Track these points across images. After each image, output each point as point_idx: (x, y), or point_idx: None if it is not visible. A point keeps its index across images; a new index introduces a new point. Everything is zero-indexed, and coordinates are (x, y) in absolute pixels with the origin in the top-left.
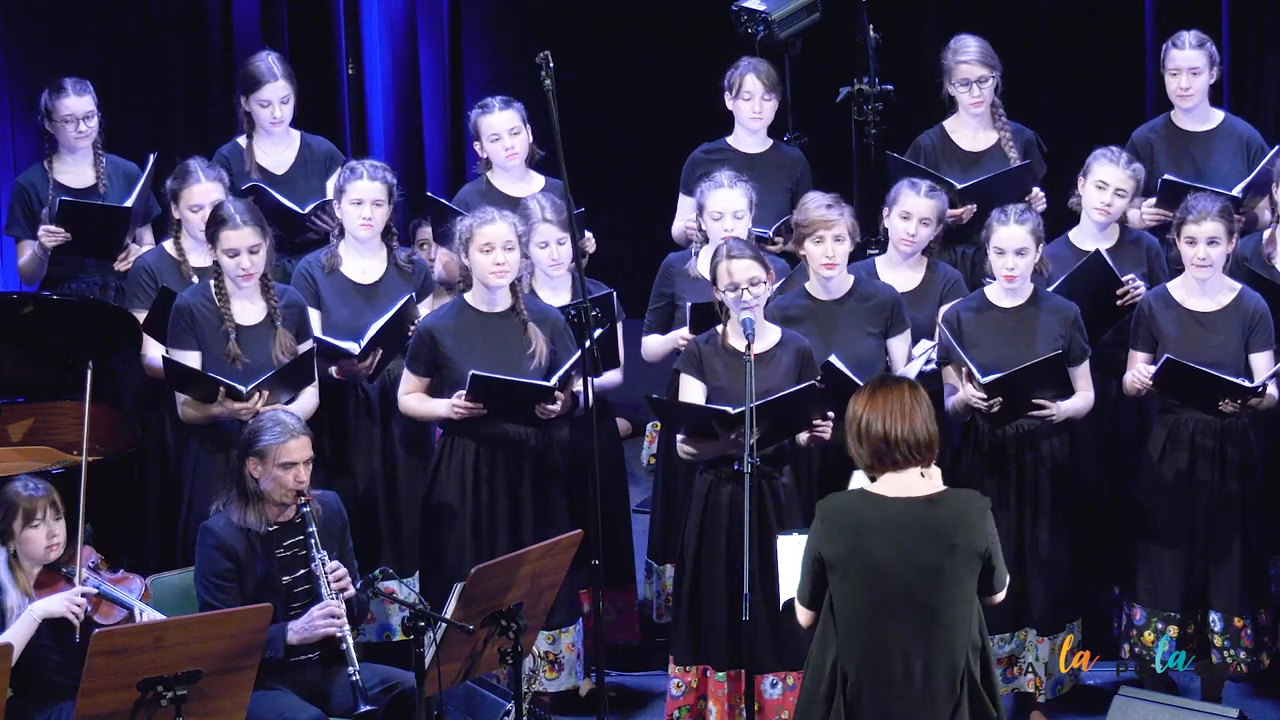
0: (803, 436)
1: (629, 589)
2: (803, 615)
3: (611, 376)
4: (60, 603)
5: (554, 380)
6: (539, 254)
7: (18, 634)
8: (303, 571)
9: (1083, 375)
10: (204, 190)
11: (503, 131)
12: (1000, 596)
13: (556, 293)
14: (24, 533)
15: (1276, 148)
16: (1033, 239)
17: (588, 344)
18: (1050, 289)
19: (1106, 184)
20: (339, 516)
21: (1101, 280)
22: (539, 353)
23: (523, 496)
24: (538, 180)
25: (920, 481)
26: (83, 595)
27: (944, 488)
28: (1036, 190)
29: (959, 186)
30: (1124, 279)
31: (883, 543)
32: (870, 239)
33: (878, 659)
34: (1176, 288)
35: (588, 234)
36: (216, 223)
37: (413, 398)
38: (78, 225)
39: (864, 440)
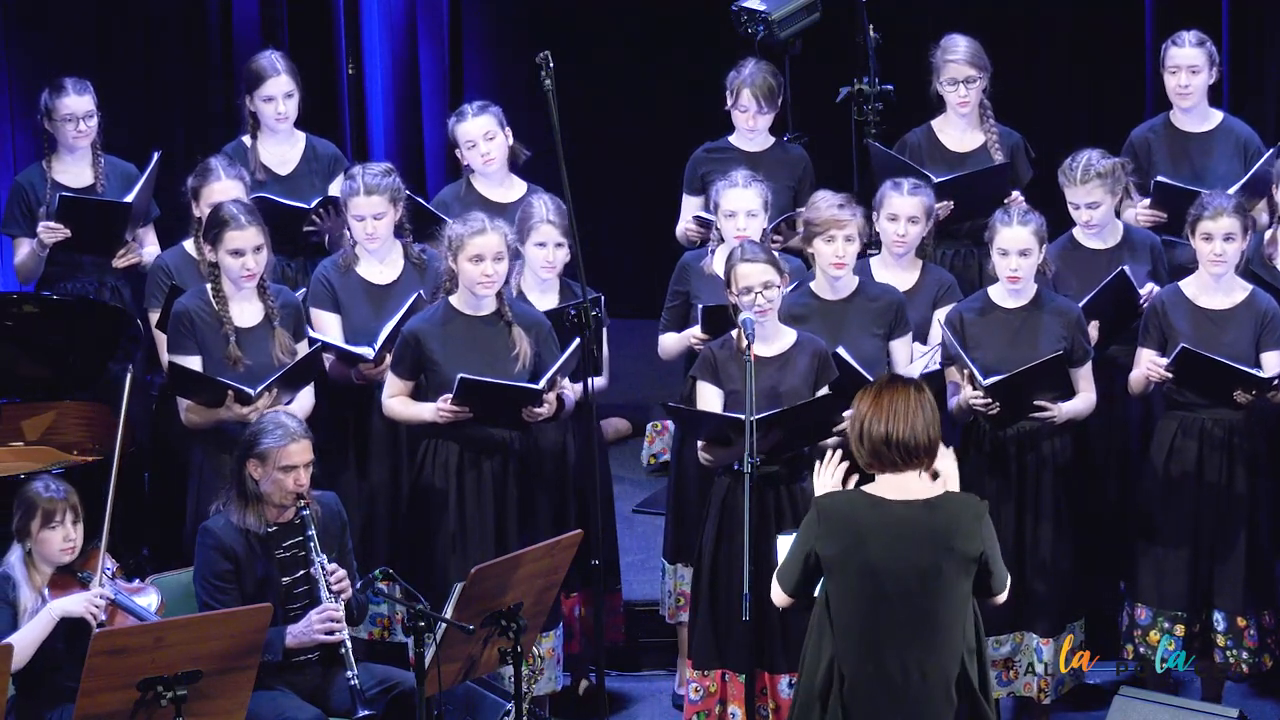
0: (830, 441)
1: (615, 592)
2: (780, 598)
3: (596, 381)
4: (80, 603)
5: (542, 383)
6: (535, 253)
7: (35, 631)
8: (302, 572)
9: (1085, 376)
10: (224, 188)
11: (477, 138)
12: (1003, 597)
13: (544, 295)
14: (41, 533)
15: (1273, 150)
16: (1036, 240)
17: (577, 343)
18: (1080, 304)
19: (1078, 205)
20: (338, 518)
21: (1123, 296)
22: (523, 355)
23: (506, 498)
24: (519, 185)
25: (919, 484)
26: (101, 598)
27: (942, 491)
28: (1015, 193)
29: (935, 181)
30: (1141, 290)
31: (882, 545)
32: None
33: (875, 660)
34: (1189, 285)
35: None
36: (219, 224)
37: (397, 401)
38: (77, 222)
39: (865, 440)
